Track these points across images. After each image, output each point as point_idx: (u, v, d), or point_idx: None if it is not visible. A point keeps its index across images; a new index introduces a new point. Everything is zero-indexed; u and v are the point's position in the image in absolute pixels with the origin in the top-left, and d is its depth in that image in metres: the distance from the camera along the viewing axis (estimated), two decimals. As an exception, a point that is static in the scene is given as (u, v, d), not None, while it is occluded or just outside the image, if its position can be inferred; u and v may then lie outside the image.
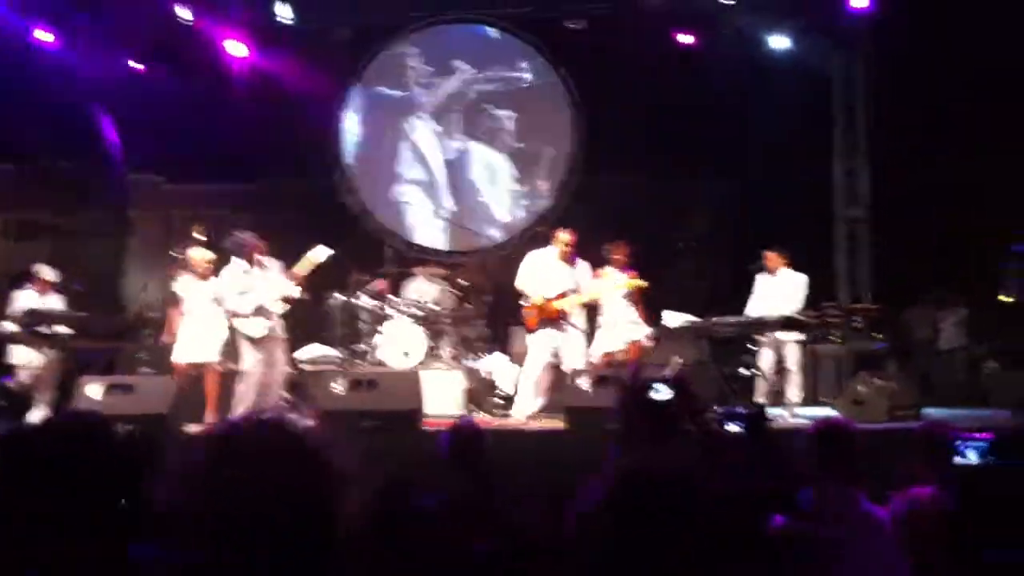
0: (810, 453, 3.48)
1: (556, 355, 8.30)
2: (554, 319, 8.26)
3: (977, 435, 4.06)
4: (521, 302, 8.51)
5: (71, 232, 13.27)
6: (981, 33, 10.04)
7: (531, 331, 8.40)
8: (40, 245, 13.08)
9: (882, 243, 11.03)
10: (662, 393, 2.92)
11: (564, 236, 8.43)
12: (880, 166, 11.22)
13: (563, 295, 8.28)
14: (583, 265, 8.53)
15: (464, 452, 3.95)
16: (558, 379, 8.33)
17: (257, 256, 8.04)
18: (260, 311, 7.83)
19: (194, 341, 8.42)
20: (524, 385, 8.42)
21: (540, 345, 8.32)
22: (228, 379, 8.15)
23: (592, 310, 8.73)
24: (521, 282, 8.47)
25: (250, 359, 7.86)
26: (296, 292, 8.10)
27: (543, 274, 8.39)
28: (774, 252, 8.68)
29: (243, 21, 12.02)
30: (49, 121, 11.80)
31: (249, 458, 1.25)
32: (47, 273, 9.13)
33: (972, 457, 3.89)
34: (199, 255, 8.62)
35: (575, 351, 8.33)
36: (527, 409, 8.30)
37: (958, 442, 3.91)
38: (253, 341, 7.85)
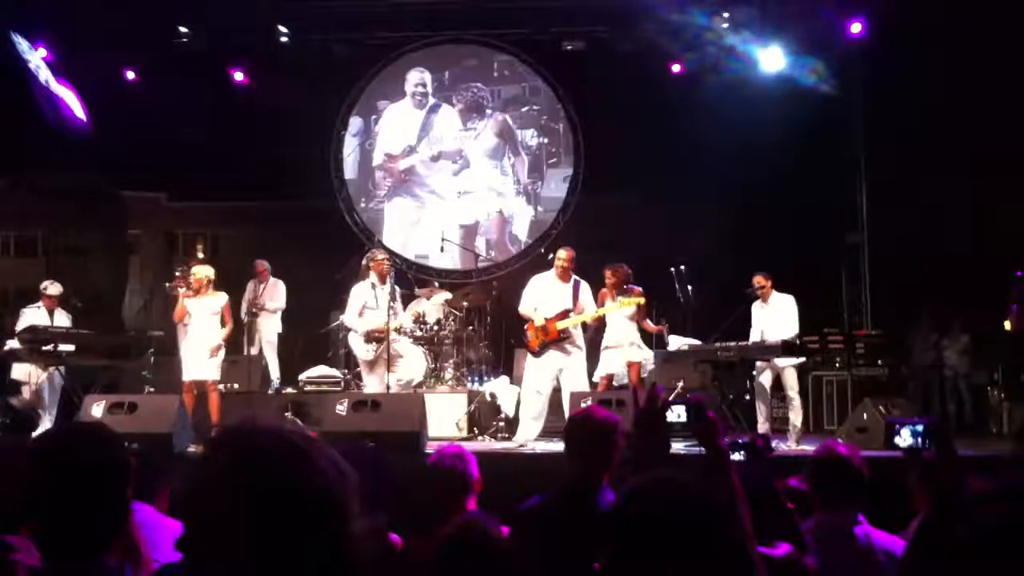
0: (810, 481, 3.46)
1: (557, 378, 8.28)
2: (556, 340, 8.24)
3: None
4: (524, 325, 8.49)
5: (71, 248, 13.22)
6: (979, 54, 10.08)
7: (534, 353, 8.36)
8: (39, 261, 13.03)
9: (882, 268, 11.03)
10: (681, 415, 2.90)
11: (561, 253, 8.43)
12: (880, 192, 11.25)
13: (563, 314, 8.27)
14: (584, 285, 8.52)
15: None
16: (559, 401, 8.30)
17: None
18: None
19: (195, 359, 8.42)
20: (526, 408, 8.39)
21: (542, 367, 8.28)
22: (234, 399, 8.12)
23: (596, 332, 8.70)
24: (523, 307, 8.45)
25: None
26: None
27: (542, 295, 8.37)
28: (760, 276, 8.63)
29: (245, 41, 12.05)
30: (42, 135, 11.73)
31: (254, 462, 1.24)
32: (53, 289, 9.11)
33: (907, 437, 3.87)
34: (200, 273, 8.62)
35: (577, 373, 8.28)
36: (529, 432, 8.27)
37: (897, 426, 3.91)
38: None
